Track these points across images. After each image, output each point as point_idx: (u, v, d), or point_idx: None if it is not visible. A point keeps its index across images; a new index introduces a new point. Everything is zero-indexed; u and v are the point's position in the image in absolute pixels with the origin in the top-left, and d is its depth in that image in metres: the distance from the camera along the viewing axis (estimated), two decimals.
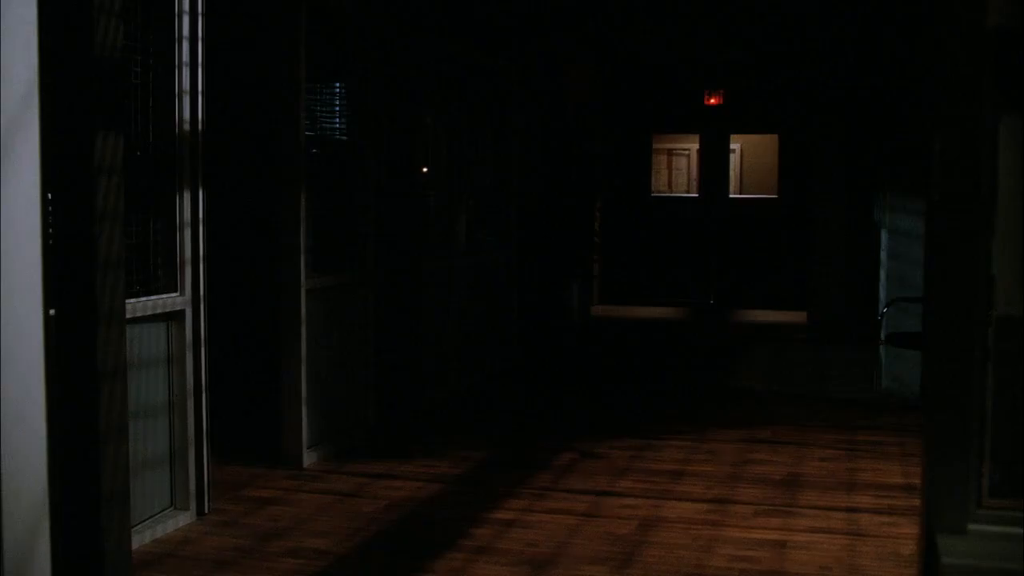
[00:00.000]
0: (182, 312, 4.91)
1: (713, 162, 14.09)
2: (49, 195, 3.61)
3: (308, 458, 6.00)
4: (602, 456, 6.25)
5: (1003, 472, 2.32)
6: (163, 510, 4.91)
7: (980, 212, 2.29)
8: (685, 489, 5.54)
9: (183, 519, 4.94)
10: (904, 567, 4.39)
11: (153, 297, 4.75)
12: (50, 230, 3.64)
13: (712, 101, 13.65)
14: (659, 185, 15.87)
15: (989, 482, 2.33)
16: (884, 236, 8.63)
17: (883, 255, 8.71)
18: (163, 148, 4.83)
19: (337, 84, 6.67)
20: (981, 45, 2.26)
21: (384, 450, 6.44)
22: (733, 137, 14.66)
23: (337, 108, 6.71)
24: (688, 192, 15.84)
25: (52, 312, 3.64)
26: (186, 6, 4.85)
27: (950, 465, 2.32)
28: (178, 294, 4.90)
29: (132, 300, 4.45)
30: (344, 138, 6.68)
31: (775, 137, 14.25)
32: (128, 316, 4.19)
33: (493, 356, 9.10)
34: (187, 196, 4.90)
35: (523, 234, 9.79)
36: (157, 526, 4.78)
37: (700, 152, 14.64)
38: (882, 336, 8.03)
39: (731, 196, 14.50)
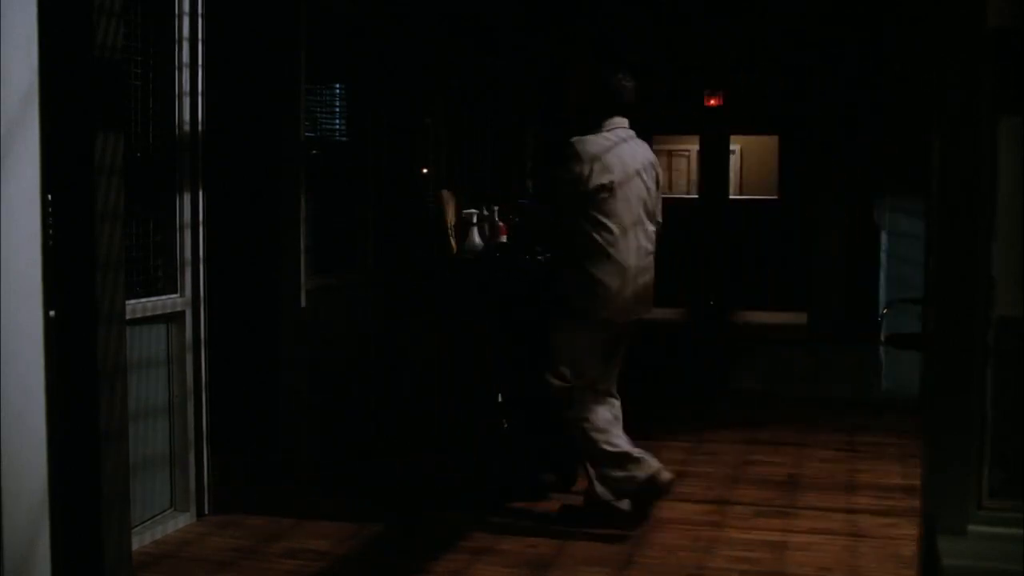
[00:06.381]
0: (182, 313, 4.91)
1: (713, 163, 14.08)
2: (49, 195, 3.61)
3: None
4: None
5: (1003, 473, 2.31)
6: (163, 511, 4.91)
7: (980, 212, 2.28)
8: (685, 490, 5.53)
9: (183, 520, 4.94)
10: (904, 568, 4.39)
11: (153, 298, 4.75)
12: (50, 230, 3.63)
13: (712, 102, 13.62)
14: None
15: (989, 483, 2.33)
16: (884, 237, 8.62)
17: (883, 256, 8.70)
18: (163, 149, 4.83)
19: (337, 85, 6.67)
20: (981, 45, 2.26)
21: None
22: (733, 138, 14.64)
23: (337, 108, 6.71)
24: (688, 193, 15.83)
25: (52, 313, 3.64)
26: (186, 7, 4.85)
27: (950, 465, 2.32)
28: (178, 295, 4.90)
29: (132, 301, 4.44)
30: (344, 138, 6.68)
31: (775, 138, 14.23)
32: (128, 317, 4.19)
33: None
34: (187, 197, 4.90)
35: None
36: (157, 527, 4.77)
37: (700, 153, 14.62)
38: (882, 337, 8.02)
39: (731, 197, 14.48)
